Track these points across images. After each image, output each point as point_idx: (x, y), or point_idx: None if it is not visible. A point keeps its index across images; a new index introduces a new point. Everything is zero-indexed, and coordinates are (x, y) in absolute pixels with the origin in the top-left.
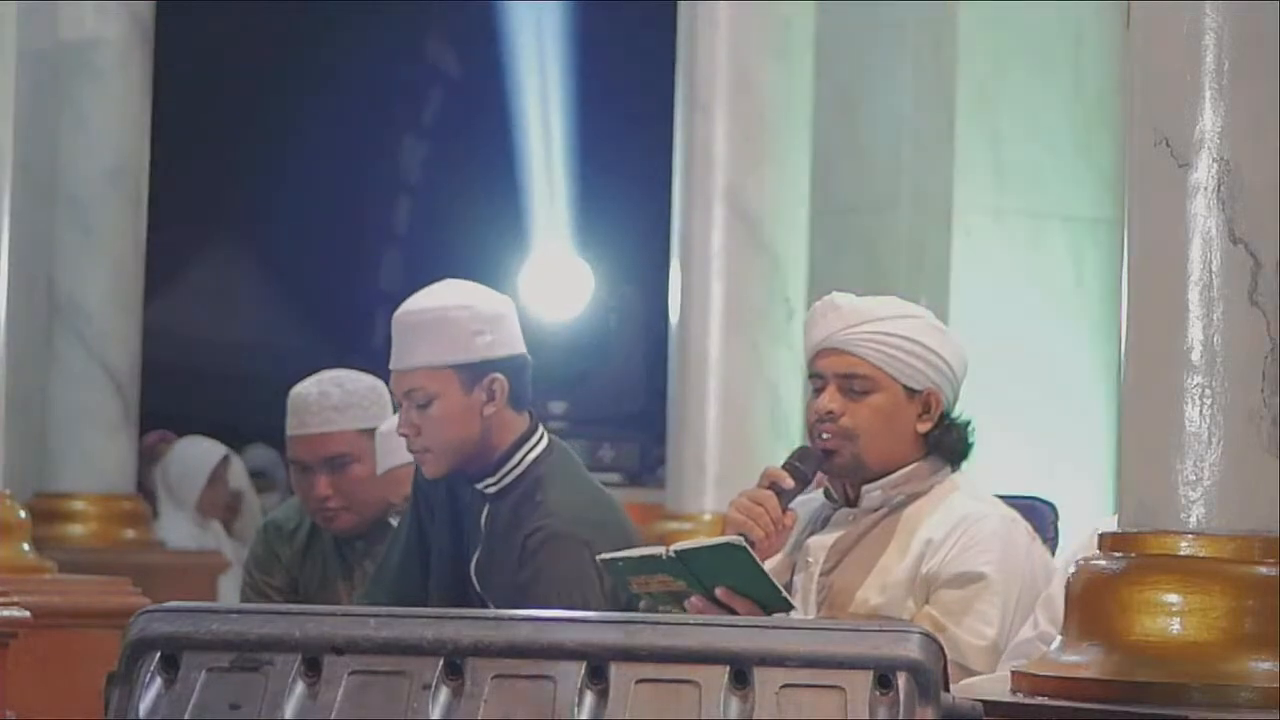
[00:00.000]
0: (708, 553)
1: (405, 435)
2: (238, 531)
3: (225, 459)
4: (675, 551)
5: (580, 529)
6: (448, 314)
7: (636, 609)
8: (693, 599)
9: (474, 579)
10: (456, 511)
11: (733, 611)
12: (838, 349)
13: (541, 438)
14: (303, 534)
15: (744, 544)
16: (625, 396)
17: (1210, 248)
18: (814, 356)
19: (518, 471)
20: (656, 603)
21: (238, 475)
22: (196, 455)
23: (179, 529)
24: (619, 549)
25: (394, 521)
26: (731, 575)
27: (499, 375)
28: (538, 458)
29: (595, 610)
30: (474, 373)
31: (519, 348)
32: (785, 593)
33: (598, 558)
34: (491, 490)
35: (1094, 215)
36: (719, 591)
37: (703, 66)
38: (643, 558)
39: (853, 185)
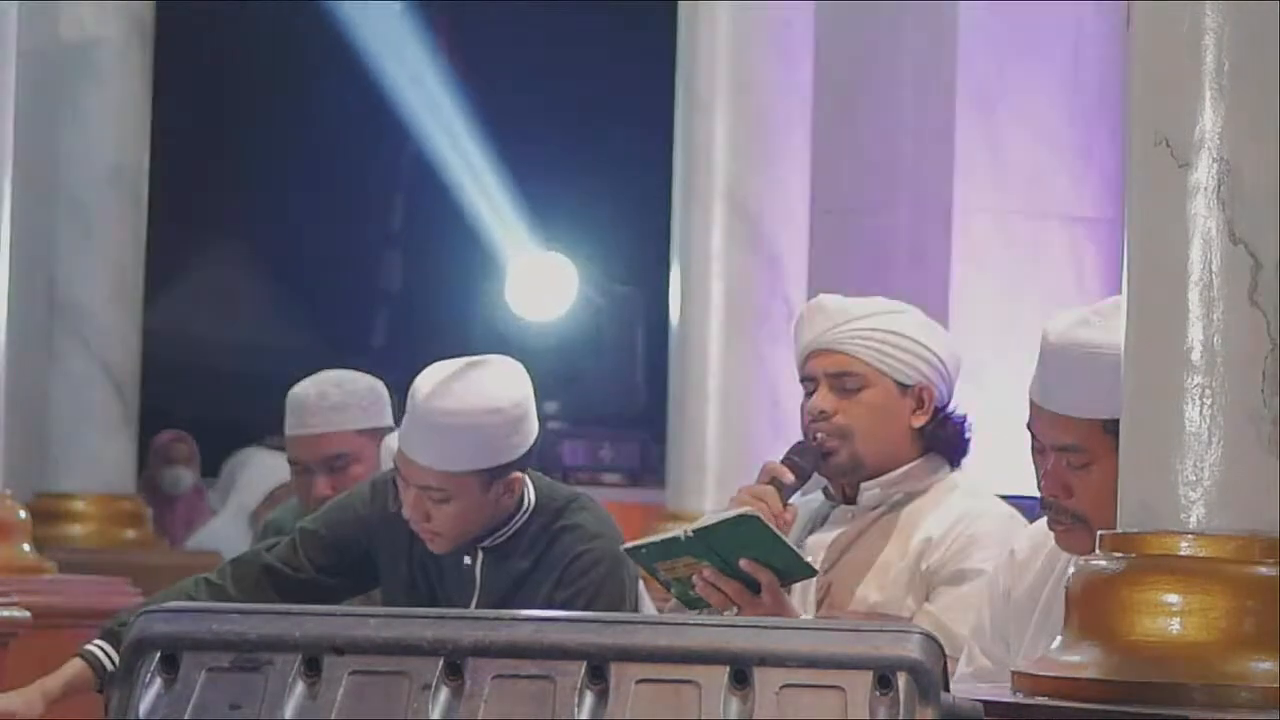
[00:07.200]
0: (725, 527)
1: (413, 519)
2: None
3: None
4: (693, 531)
5: (616, 545)
6: (478, 420)
7: (668, 595)
8: (705, 572)
9: None
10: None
11: (756, 583)
12: (827, 349)
13: (528, 488)
14: None
15: (756, 514)
16: (624, 396)
17: (1210, 248)
18: (804, 360)
19: (515, 529)
20: (686, 588)
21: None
22: (270, 468)
23: (230, 531)
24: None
25: None
26: (751, 547)
27: (518, 473)
28: (535, 507)
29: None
30: (496, 473)
31: (536, 429)
32: (806, 558)
33: (622, 548)
34: (486, 545)
35: (1094, 215)
36: (743, 563)
37: (703, 66)
38: (664, 541)
39: (853, 185)
